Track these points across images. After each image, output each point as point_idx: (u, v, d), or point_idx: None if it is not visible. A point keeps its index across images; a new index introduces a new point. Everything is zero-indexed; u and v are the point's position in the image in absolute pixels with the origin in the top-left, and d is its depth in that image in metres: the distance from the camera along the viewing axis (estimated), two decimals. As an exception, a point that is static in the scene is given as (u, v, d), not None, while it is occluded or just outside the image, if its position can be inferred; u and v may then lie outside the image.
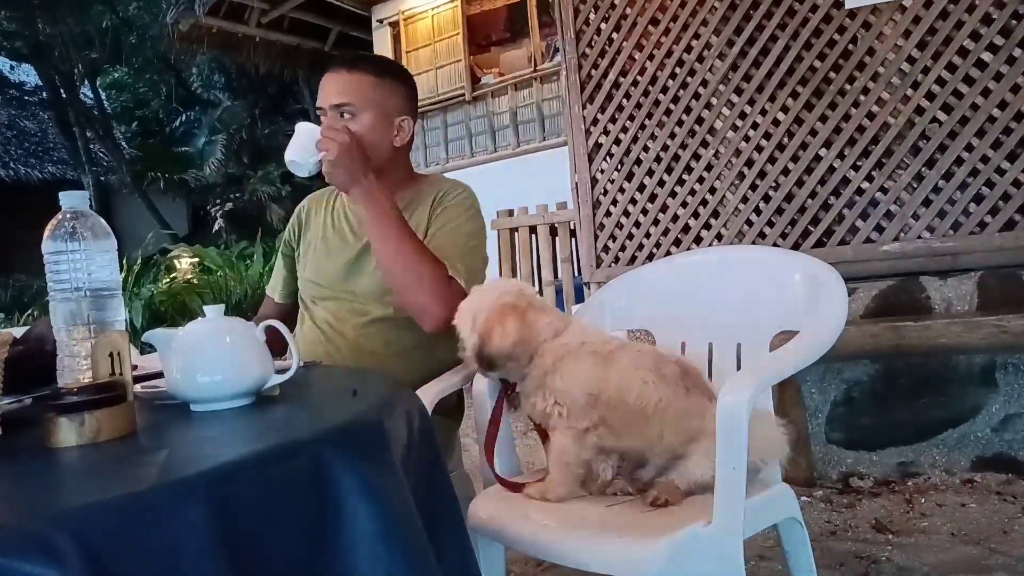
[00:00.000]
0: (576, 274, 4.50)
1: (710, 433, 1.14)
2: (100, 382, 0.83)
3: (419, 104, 1.74)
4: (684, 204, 3.26)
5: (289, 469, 0.71)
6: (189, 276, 7.79)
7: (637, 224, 3.38)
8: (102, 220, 0.87)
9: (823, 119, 2.96)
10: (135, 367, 1.00)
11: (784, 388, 2.45)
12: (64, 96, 13.78)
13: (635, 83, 3.35)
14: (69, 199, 0.85)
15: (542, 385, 1.24)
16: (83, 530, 0.55)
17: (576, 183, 3.54)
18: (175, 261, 8.16)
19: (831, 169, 2.96)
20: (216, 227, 12.36)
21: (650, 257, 3.32)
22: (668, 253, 3.24)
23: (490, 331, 1.23)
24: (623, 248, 3.42)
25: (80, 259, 0.83)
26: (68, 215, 0.85)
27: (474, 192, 1.68)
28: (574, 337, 1.26)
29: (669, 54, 3.26)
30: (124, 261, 7.30)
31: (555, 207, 4.73)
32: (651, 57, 3.30)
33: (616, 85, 3.40)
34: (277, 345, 1.17)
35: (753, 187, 3.10)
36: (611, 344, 1.28)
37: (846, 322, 1.26)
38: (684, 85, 3.24)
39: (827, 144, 2.96)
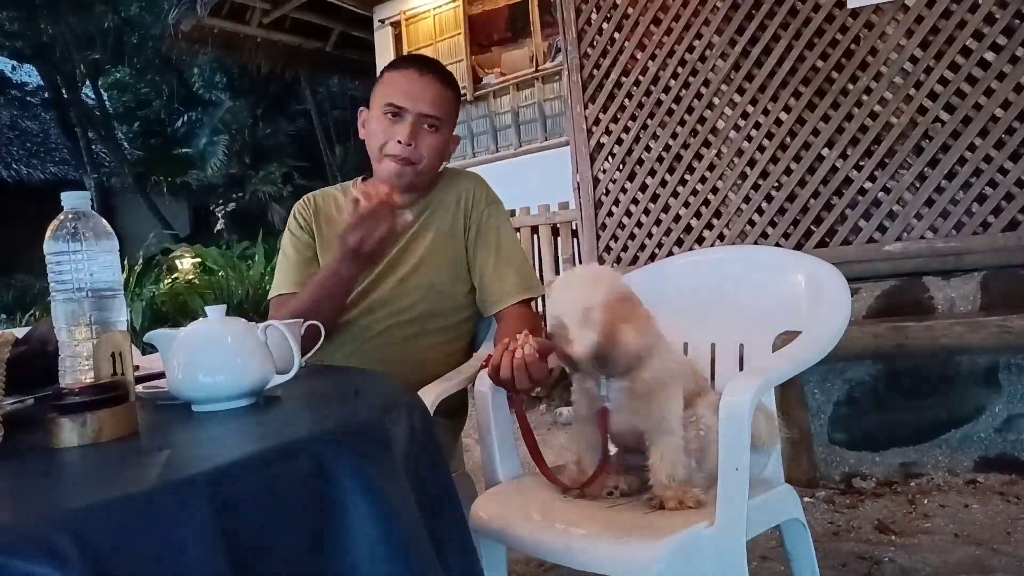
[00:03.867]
0: (578, 274, 4.49)
1: None
2: (102, 382, 0.83)
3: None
4: (686, 204, 3.26)
5: (290, 469, 0.71)
6: (191, 276, 7.77)
7: (639, 224, 3.38)
8: (104, 220, 0.87)
9: (825, 119, 2.96)
10: (137, 367, 1.00)
11: (787, 388, 2.44)
12: (66, 96, 13.80)
13: (637, 83, 3.35)
14: (71, 199, 0.85)
15: (656, 392, 1.15)
16: (84, 530, 0.55)
17: (578, 183, 3.54)
18: (176, 261, 8.15)
19: (834, 169, 2.95)
20: (217, 227, 12.36)
21: (652, 257, 3.31)
22: (670, 253, 3.23)
23: (617, 331, 1.09)
24: (625, 248, 3.42)
25: (82, 259, 0.83)
26: (70, 215, 0.84)
27: (484, 179, 1.72)
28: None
29: (671, 54, 3.26)
30: (126, 261, 7.30)
31: (557, 207, 4.73)
32: (653, 57, 3.30)
33: (618, 85, 3.40)
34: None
35: (756, 187, 3.10)
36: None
37: (849, 322, 1.26)
38: (686, 85, 3.24)
39: (830, 144, 2.96)
